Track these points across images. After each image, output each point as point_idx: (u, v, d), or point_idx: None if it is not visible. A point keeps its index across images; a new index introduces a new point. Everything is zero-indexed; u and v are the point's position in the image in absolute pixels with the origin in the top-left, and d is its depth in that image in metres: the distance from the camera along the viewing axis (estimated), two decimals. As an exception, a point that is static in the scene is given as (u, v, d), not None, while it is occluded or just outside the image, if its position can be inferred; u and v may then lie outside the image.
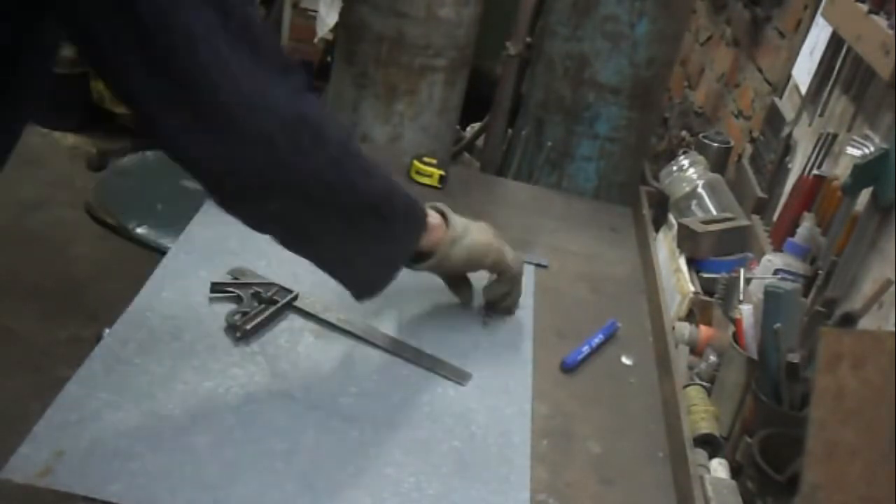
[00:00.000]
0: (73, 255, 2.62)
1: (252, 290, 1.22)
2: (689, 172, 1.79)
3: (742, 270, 1.40)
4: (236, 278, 1.25)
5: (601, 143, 1.91)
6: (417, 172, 1.69)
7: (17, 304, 2.32)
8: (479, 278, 1.32)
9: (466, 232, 1.21)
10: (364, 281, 1.14)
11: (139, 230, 1.98)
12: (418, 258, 1.18)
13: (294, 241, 1.07)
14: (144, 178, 2.20)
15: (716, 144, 1.92)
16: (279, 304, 1.21)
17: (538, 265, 1.50)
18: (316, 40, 2.76)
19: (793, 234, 1.46)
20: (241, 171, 0.92)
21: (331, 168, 0.97)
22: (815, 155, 1.52)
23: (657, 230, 1.75)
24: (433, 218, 1.18)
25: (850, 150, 1.30)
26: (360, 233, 1.06)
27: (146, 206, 2.04)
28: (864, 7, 1.42)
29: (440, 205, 1.22)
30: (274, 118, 0.89)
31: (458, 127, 2.37)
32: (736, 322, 1.28)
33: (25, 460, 0.90)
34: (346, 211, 1.02)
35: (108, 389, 1.02)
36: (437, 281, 1.38)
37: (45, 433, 0.94)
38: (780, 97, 1.88)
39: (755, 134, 1.99)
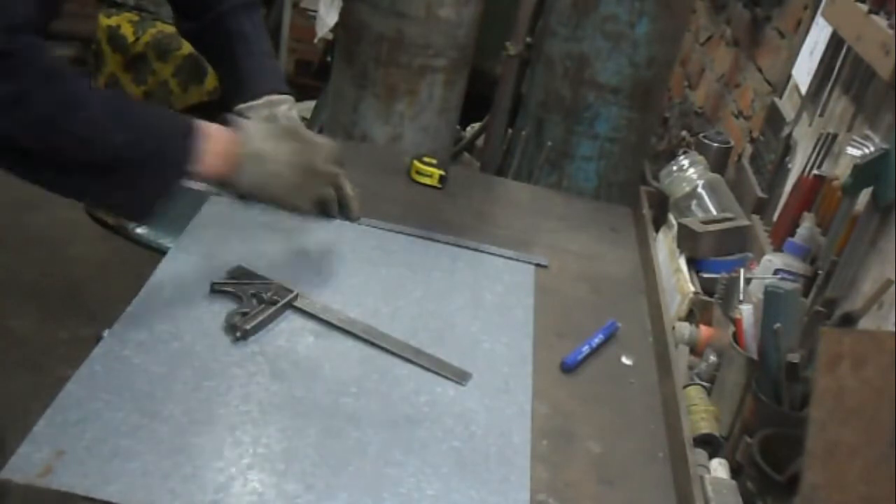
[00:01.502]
0: (73, 255, 2.62)
1: (252, 290, 1.22)
2: (689, 172, 1.79)
3: (742, 270, 1.40)
4: (236, 278, 1.25)
5: (601, 143, 1.91)
6: (417, 172, 1.69)
7: (17, 304, 2.33)
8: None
9: (259, 159, 1.17)
10: (128, 212, 1.17)
11: (139, 230, 1.98)
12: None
13: (27, 178, 1.06)
14: (144, 178, 2.19)
15: (716, 144, 1.92)
16: (279, 304, 1.21)
17: (538, 265, 1.50)
18: (316, 40, 2.77)
19: (793, 234, 1.46)
20: None
21: (31, 135, 0.99)
22: (815, 155, 1.52)
23: (657, 230, 1.75)
24: (219, 143, 1.14)
25: (850, 150, 1.30)
26: (94, 182, 1.08)
27: (146, 206, 2.04)
28: (864, 7, 1.41)
29: (243, 122, 1.20)
30: None
31: (458, 127, 2.37)
32: (736, 322, 1.28)
33: (25, 460, 0.90)
34: (70, 166, 1.04)
35: (108, 389, 1.02)
36: (438, 282, 1.38)
37: (45, 433, 0.94)
38: (780, 97, 1.88)
39: (755, 134, 1.99)
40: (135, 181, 1.09)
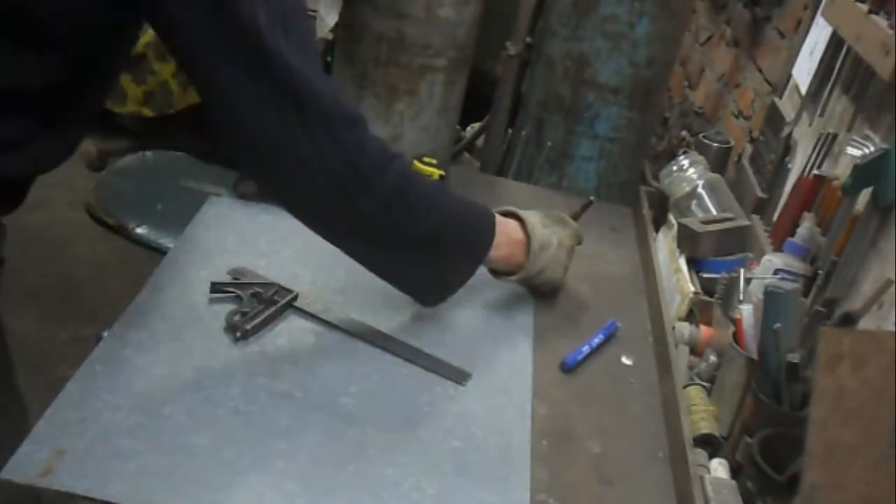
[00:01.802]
0: (73, 255, 2.62)
1: (252, 290, 1.22)
2: (689, 172, 1.79)
3: (742, 270, 1.40)
4: (236, 278, 1.25)
5: (601, 143, 1.91)
6: (417, 172, 1.69)
7: (17, 304, 2.32)
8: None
9: (545, 248, 1.28)
10: (420, 295, 1.21)
11: (139, 230, 1.98)
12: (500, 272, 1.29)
13: (345, 251, 1.13)
14: (144, 178, 2.20)
15: (716, 144, 1.92)
16: (279, 304, 1.21)
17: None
18: (316, 40, 2.76)
19: (793, 234, 1.46)
20: (288, 199, 1.04)
21: (376, 212, 1.03)
22: (815, 155, 1.52)
23: (657, 230, 1.75)
24: (510, 233, 1.24)
25: (850, 150, 1.30)
26: (405, 263, 1.14)
27: (146, 206, 2.04)
28: (864, 7, 1.41)
29: (524, 214, 1.28)
30: (322, 166, 0.97)
31: (458, 127, 2.37)
32: (736, 322, 1.28)
33: (25, 460, 0.90)
34: (391, 247, 1.10)
35: (108, 389, 1.02)
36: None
37: (45, 433, 0.94)
38: (780, 97, 1.88)
39: (755, 134, 1.99)
40: (442, 263, 1.16)
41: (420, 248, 1.12)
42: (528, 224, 1.27)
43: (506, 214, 1.28)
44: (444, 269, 1.17)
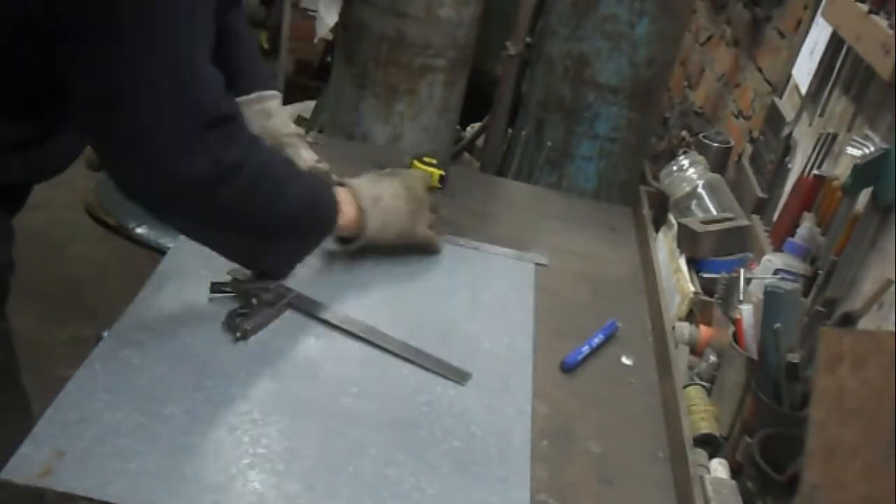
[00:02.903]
0: (73, 255, 2.62)
1: (252, 290, 1.21)
2: (689, 172, 1.79)
3: (742, 270, 1.40)
4: (236, 278, 1.25)
5: (601, 143, 1.91)
6: (417, 172, 1.69)
7: (17, 303, 2.32)
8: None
9: (376, 202, 1.30)
10: (273, 272, 1.24)
11: (139, 230, 1.98)
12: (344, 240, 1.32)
13: (195, 239, 1.15)
14: (144, 178, 2.19)
15: (716, 144, 1.92)
16: (279, 304, 1.21)
17: (538, 264, 1.50)
18: (316, 40, 2.76)
19: (793, 234, 1.46)
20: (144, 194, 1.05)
21: (236, 200, 1.05)
22: (815, 155, 1.52)
23: (657, 230, 1.75)
24: (346, 205, 1.26)
25: (850, 150, 1.30)
26: (260, 246, 1.16)
27: (146, 206, 2.04)
28: (864, 7, 1.42)
29: (348, 180, 1.30)
30: (188, 165, 0.99)
31: (458, 127, 2.37)
32: (736, 322, 1.28)
33: (25, 460, 0.90)
34: (249, 232, 1.12)
35: (108, 389, 1.02)
36: (438, 281, 1.38)
37: (45, 433, 0.94)
38: (780, 97, 1.88)
39: (755, 134, 1.99)
40: (294, 244, 1.20)
41: (274, 232, 1.15)
42: (350, 184, 1.29)
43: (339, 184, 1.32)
44: (296, 249, 1.21)
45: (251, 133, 1.08)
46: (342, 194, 1.26)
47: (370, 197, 1.29)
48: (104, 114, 0.98)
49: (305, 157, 1.40)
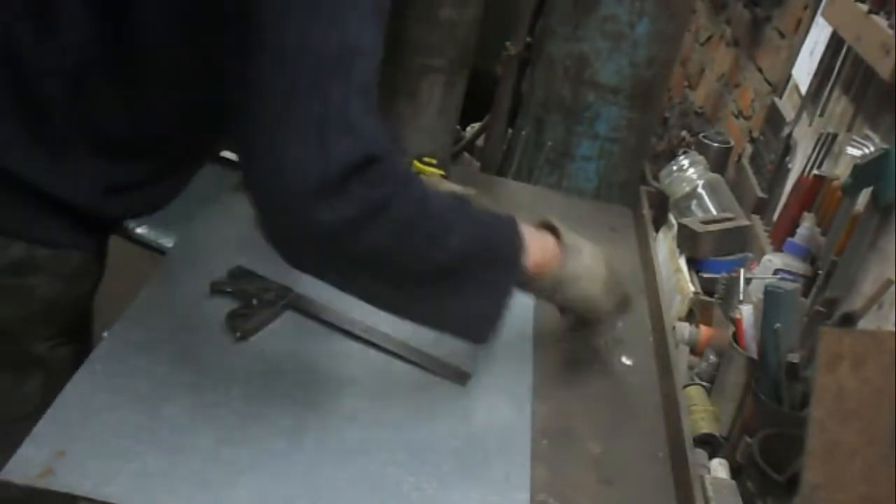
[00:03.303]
0: (73, 255, 2.62)
1: (252, 290, 1.22)
2: (689, 172, 1.79)
3: (742, 270, 1.40)
4: (236, 278, 1.25)
5: (601, 143, 1.91)
6: (418, 173, 1.69)
7: (17, 304, 2.32)
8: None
9: (577, 255, 1.13)
10: (467, 330, 1.05)
11: (139, 230, 1.98)
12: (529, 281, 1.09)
13: (362, 298, 1.01)
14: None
15: (716, 144, 1.92)
16: (279, 304, 1.21)
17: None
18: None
19: (793, 234, 1.46)
20: (285, 237, 0.92)
21: (389, 242, 0.91)
22: (815, 155, 1.52)
23: (657, 230, 1.75)
24: (539, 238, 1.10)
25: (850, 150, 1.30)
26: (434, 293, 0.99)
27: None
28: (864, 7, 1.42)
29: (553, 221, 1.14)
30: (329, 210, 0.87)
31: (458, 127, 2.37)
32: (736, 322, 1.28)
33: (26, 461, 0.90)
34: (412, 277, 0.96)
35: (108, 389, 1.02)
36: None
37: (45, 433, 0.94)
38: (780, 97, 1.88)
39: (755, 134, 1.99)
40: (474, 286, 1.00)
41: (444, 276, 0.97)
42: (559, 228, 1.14)
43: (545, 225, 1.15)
44: (479, 293, 1.01)
45: (406, 168, 0.98)
46: (538, 231, 1.11)
47: (573, 244, 1.13)
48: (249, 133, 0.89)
49: (450, 186, 1.27)
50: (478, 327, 1.03)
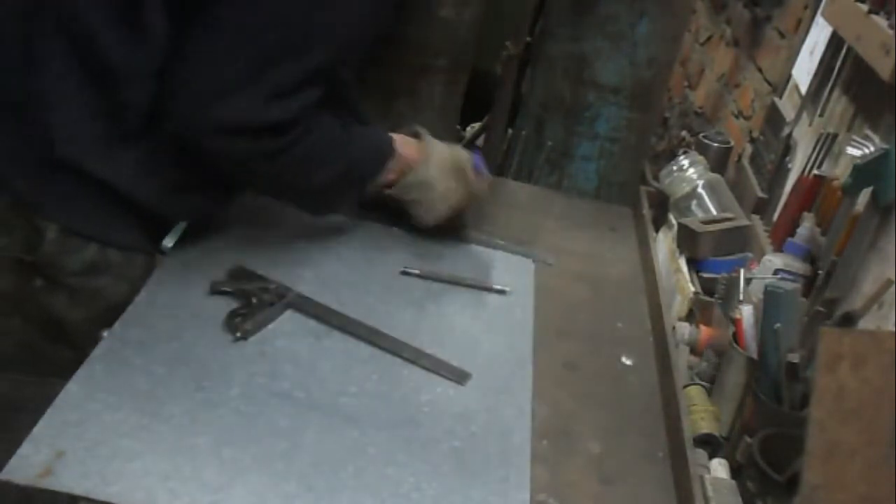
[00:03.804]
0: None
1: (252, 290, 1.22)
2: (689, 172, 1.79)
3: (742, 270, 1.40)
4: (236, 278, 1.25)
5: (601, 143, 1.91)
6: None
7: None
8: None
9: (423, 189, 1.38)
10: (320, 211, 1.37)
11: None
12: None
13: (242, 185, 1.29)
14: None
15: (716, 144, 1.92)
16: (279, 304, 1.21)
17: (544, 262, 1.50)
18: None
19: (793, 234, 1.46)
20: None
21: (276, 171, 1.17)
22: (815, 155, 1.52)
23: (657, 230, 1.75)
24: (406, 146, 1.36)
25: (850, 150, 1.30)
26: (312, 198, 1.29)
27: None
28: (864, 7, 1.42)
29: (430, 144, 1.38)
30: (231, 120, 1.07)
31: (458, 127, 2.37)
32: (736, 322, 1.28)
33: (25, 461, 0.90)
34: (299, 193, 1.26)
35: (108, 389, 1.02)
36: (437, 285, 1.38)
37: (45, 433, 0.94)
38: (780, 97, 1.88)
39: (755, 134, 1.99)
40: (335, 195, 1.30)
41: (314, 191, 1.26)
42: (426, 153, 1.37)
43: (416, 135, 1.40)
44: (338, 201, 1.33)
45: (310, 120, 1.13)
46: (408, 144, 1.36)
47: (423, 178, 1.36)
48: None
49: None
50: (322, 213, 1.37)
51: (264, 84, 1.06)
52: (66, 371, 1.04)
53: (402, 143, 1.36)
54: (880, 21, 1.36)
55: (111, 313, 1.13)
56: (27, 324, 1.13)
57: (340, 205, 1.36)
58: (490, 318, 1.33)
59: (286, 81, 1.08)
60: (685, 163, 1.81)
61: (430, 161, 1.36)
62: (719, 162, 1.91)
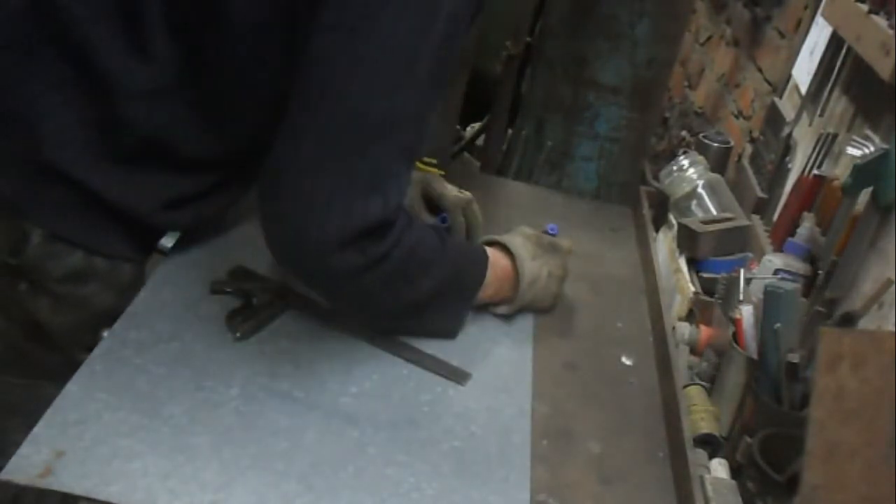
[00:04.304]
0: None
1: (252, 290, 1.22)
2: (689, 172, 1.79)
3: (742, 270, 1.40)
4: (236, 278, 1.25)
5: (601, 143, 1.91)
6: (417, 172, 1.69)
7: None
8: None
9: (535, 279, 1.30)
10: (435, 332, 1.24)
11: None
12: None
13: (350, 312, 1.20)
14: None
15: (716, 144, 1.92)
16: (279, 305, 1.21)
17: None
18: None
19: (793, 234, 1.46)
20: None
21: (380, 285, 1.07)
22: (815, 155, 1.52)
23: (657, 230, 1.75)
24: (497, 270, 1.26)
25: (850, 150, 1.30)
26: (406, 319, 1.19)
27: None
28: (864, 7, 1.42)
29: (512, 245, 1.29)
30: (339, 259, 1.00)
31: (458, 127, 2.37)
32: (736, 322, 1.28)
33: (25, 461, 0.90)
34: (391, 309, 1.15)
35: (108, 389, 1.02)
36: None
37: (45, 433, 0.94)
38: (780, 97, 1.88)
39: (755, 134, 1.99)
40: (444, 310, 1.21)
41: (414, 308, 1.16)
42: (517, 259, 1.28)
43: (491, 243, 1.30)
44: (441, 318, 1.22)
45: (406, 216, 1.07)
46: (498, 263, 1.26)
47: (530, 276, 1.28)
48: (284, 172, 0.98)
49: (448, 189, 1.40)
50: (437, 337, 1.23)
51: (364, 175, 0.98)
52: (55, 374, 1.03)
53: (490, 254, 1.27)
54: (880, 21, 1.36)
55: (97, 321, 1.12)
56: (12, 327, 1.11)
57: (450, 320, 1.24)
58: (490, 318, 1.33)
59: (382, 168, 1.00)
60: (685, 163, 1.81)
61: (522, 257, 1.28)
62: (719, 162, 1.91)
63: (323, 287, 1.11)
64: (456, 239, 1.29)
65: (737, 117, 2.21)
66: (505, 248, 1.30)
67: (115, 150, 1.07)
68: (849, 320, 1.21)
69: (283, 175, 0.98)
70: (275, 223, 1.00)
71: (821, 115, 1.60)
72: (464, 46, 2.04)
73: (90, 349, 1.09)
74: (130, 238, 1.14)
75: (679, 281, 1.56)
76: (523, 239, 1.32)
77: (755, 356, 1.21)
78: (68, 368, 1.04)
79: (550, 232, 1.44)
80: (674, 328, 1.42)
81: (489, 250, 1.27)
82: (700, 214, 1.70)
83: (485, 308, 1.30)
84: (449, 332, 1.24)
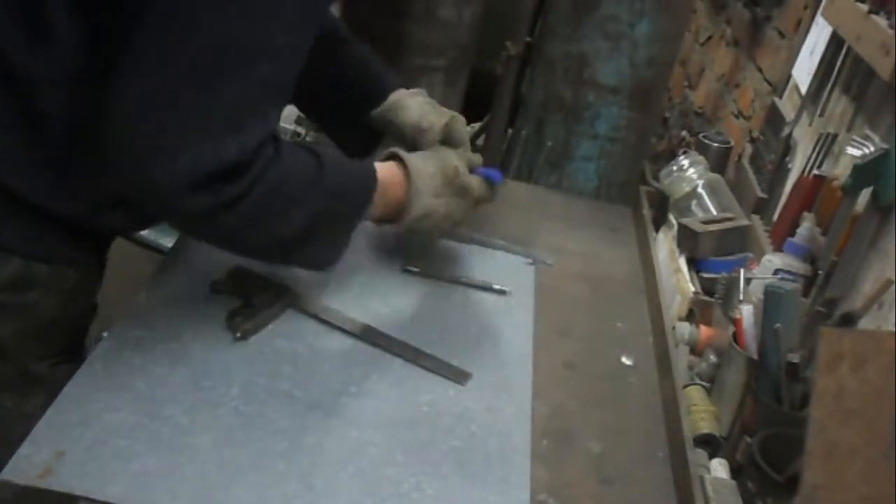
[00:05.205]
0: (73, 255, 2.62)
1: (252, 290, 1.21)
2: (689, 172, 1.79)
3: (742, 270, 1.40)
4: (236, 278, 1.25)
5: (601, 143, 1.91)
6: (417, 172, 1.69)
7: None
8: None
9: (424, 219, 1.23)
10: (311, 267, 1.19)
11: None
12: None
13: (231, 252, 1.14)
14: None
15: (716, 144, 1.92)
16: (279, 304, 1.21)
17: (544, 263, 1.50)
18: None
19: (793, 234, 1.46)
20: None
21: (243, 223, 1.01)
22: (815, 155, 1.52)
23: (657, 230, 1.75)
24: (389, 176, 1.19)
25: (850, 150, 1.30)
26: (284, 252, 1.12)
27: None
28: (864, 7, 1.42)
29: (413, 168, 1.21)
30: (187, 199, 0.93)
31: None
32: (736, 322, 1.28)
33: (25, 461, 0.90)
34: (270, 242, 1.07)
35: (108, 389, 1.02)
36: (437, 281, 1.38)
37: (45, 433, 0.94)
38: (780, 97, 1.88)
39: (755, 134, 1.99)
40: (321, 241, 1.13)
41: (291, 241, 1.09)
42: (412, 190, 1.20)
43: (394, 157, 1.23)
44: (322, 248, 1.15)
45: (271, 150, 1.00)
46: (390, 185, 1.18)
47: (425, 209, 1.22)
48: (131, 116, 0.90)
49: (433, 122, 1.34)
50: (320, 267, 1.18)
51: (218, 114, 0.92)
52: (9, 386, 1.01)
53: (383, 171, 1.19)
54: (880, 21, 1.36)
55: (44, 329, 1.08)
56: None
57: (328, 252, 1.15)
58: (490, 318, 1.33)
59: (239, 106, 0.93)
60: (685, 163, 1.81)
61: (420, 190, 1.21)
62: (719, 162, 1.91)
63: (181, 227, 1.09)
64: (341, 166, 1.18)
65: (737, 117, 2.21)
66: (399, 160, 1.22)
67: (44, 150, 1.01)
68: (849, 320, 1.21)
69: (130, 115, 0.89)
70: (123, 162, 0.92)
71: (821, 115, 1.59)
72: (462, 45, 2.05)
73: (43, 358, 1.06)
74: (72, 242, 1.09)
75: (679, 281, 1.56)
76: (434, 171, 1.23)
77: (755, 356, 1.21)
78: (22, 380, 1.01)
79: (486, 175, 1.33)
80: (674, 328, 1.42)
81: (388, 170, 1.19)
82: (700, 214, 1.70)
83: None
84: (327, 263, 1.16)
